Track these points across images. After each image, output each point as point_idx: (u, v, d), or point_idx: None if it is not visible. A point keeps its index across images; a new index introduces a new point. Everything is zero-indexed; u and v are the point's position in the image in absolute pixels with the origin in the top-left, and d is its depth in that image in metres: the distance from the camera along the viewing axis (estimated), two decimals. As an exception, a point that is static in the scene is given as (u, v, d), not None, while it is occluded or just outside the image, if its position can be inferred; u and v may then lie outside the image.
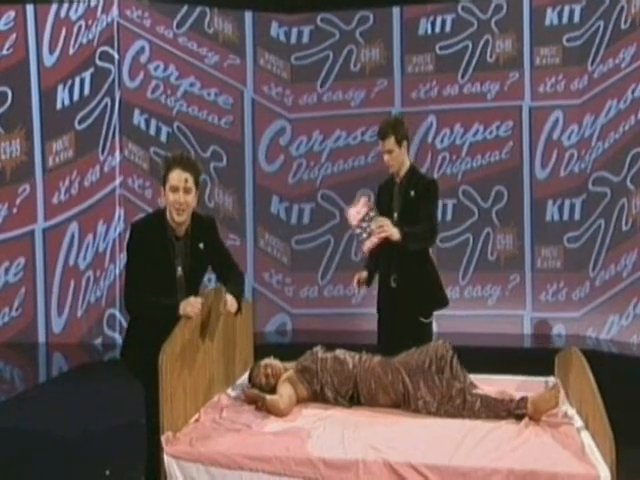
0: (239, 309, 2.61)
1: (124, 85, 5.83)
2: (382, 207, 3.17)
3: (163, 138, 5.96)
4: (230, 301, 2.56)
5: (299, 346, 2.98)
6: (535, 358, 3.69)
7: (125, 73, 5.84)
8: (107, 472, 3.10)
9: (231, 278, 2.65)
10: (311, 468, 2.03)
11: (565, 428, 2.22)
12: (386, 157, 3.12)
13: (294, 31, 6.26)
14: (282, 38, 6.26)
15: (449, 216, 6.12)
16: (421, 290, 3.12)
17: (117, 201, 5.85)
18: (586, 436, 2.14)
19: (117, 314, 5.85)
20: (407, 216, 3.10)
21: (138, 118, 5.89)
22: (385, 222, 2.96)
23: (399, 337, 3.00)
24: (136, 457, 2.96)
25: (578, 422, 2.26)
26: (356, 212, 2.99)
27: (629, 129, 5.65)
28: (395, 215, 3.13)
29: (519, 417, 2.31)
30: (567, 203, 5.94)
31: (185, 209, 2.49)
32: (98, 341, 5.85)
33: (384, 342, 3.18)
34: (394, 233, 2.93)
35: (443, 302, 3.22)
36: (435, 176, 6.27)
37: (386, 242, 2.97)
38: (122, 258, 5.86)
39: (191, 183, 2.50)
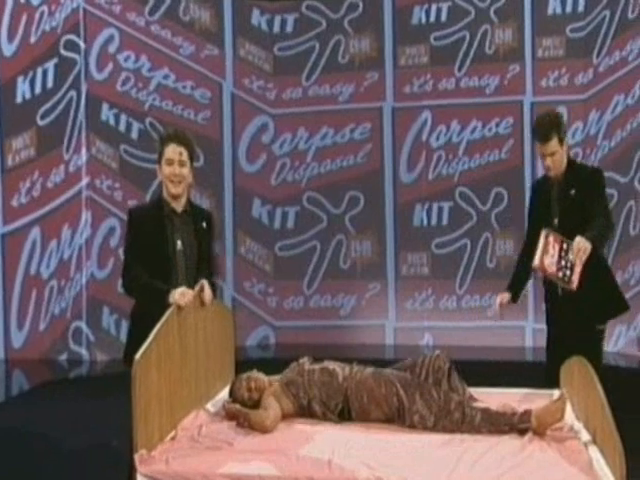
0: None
1: (91, 77, 5.84)
2: (539, 213, 3.06)
3: (134, 135, 5.97)
4: (207, 289, 2.75)
5: (283, 361, 2.99)
6: (538, 372, 3.74)
7: (92, 64, 5.85)
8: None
9: (205, 273, 2.85)
10: (299, 489, 2.05)
11: (571, 443, 2.26)
12: (548, 161, 2.98)
13: (277, 19, 6.31)
14: (264, 27, 6.31)
15: (445, 220, 6.18)
16: (596, 293, 2.98)
17: (83, 204, 5.83)
18: (594, 451, 2.18)
19: (84, 327, 5.82)
20: (569, 220, 2.97)
21: (107, 113, 5.89)
22: (578, 243, 2.77)
23: (570, 349, 2.85)
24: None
25: (585, 436, 2.30)
26: (551, 257, 2.79)
27: (637, 126, 5.75)
28: (555, 221, 3.01)
29: (522, 432, 2.36)
30: (572, 206, 6.02)
31: (181, 181, 2.77)
32: (63, 357, 5.81)
33: (555, 359, 2.99)
34: (588, 247, 2.78)
35: (622, 306, 3.08)
36: (430, 177, 6.39)
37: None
38: (89, 266, 5.85)
39: (185, 157, 2.78)
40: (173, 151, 2.75)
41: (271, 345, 6.34)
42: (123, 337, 5.88)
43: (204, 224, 2.87)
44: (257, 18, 6.29)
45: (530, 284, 6.22)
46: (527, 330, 6.11)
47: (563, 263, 2.84)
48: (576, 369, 2.53)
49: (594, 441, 2.24)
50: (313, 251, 6.34)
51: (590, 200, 2.95)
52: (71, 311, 5.83)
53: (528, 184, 6.11)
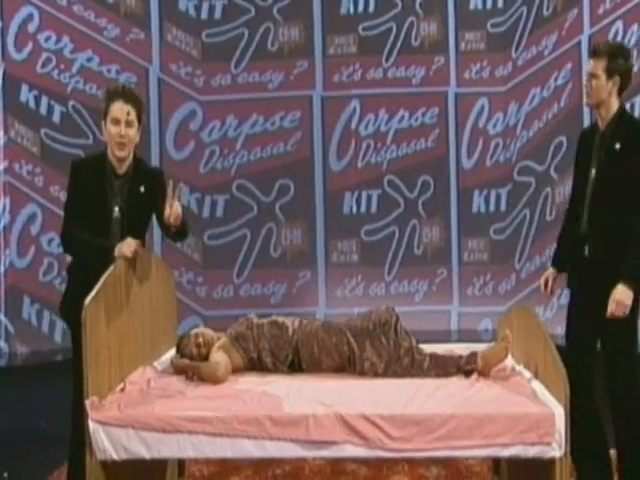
0: (184, 231, 2.76)
1: (9, 57, 5.64)
2: (579, 165, 2.76)
3: (56, 118, 5.79)
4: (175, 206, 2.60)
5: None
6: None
7: (10, 43, 5.65)
8: (5, 475, 3.02)
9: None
10: (257, 427, 2.07)
11: (515, 379, 2.42)
12: (585, 80, 2.73)
13: (205, 5, 6.28)
14: (192, 12, 6.27)
15: (374, 208, 6.32)
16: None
17: (1, 189, 5.60)
18: (537, 384, 2.33)
19: (2, 318, 5.56)
20: (607, 179, 2.66)
21: (26, 95, 5.69)
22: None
23: (595, 323, 2.59)
24: (35, 463, 3.14)
25: (527, 374, 2.45)
26: None
27: (552, 117, 6.12)
28: (592, 174, 2.70)
29: (468, 373, 2.47)
30: (493, 193, 6.31)
31: (127, 143, 2.66)
32: (-21, 350, 5.54)
33: (576, 332, 2.71)
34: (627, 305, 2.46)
35: None
36: (359, 165, 6.52)
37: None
38: (8, 254, 5.61)
39: (133, 116, 2.66)
40: (120, 110, 2.62)
41: (201, 334, 6.26)
42: (45, 328, 5.73)
43: (142, 188, 2.71)
44: (184, 3, 6.24)
45: (455, 271, 6.56)
46: (452, 314, 6.33)
47: None
48: (515, 313, 2.68)
49: (536, 377, 2.39)
50: (243, 240, 6.32)
51: (631, 171, 2.59)
52: (-12, 302, 5.57)
53: (453, 173, 6.36)
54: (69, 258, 2.85)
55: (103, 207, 2.64)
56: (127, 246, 2.53)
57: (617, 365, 2.59)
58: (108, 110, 2.65)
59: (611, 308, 2.52)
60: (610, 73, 2.66)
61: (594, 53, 2.72)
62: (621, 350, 2.59)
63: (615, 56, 2.68)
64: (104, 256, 2.50)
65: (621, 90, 2.70)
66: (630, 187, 2.60)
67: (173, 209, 2.58)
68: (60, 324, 5.64)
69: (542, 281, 2.95)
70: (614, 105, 2.70)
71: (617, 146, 2.64)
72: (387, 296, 6.31)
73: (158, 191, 2.75)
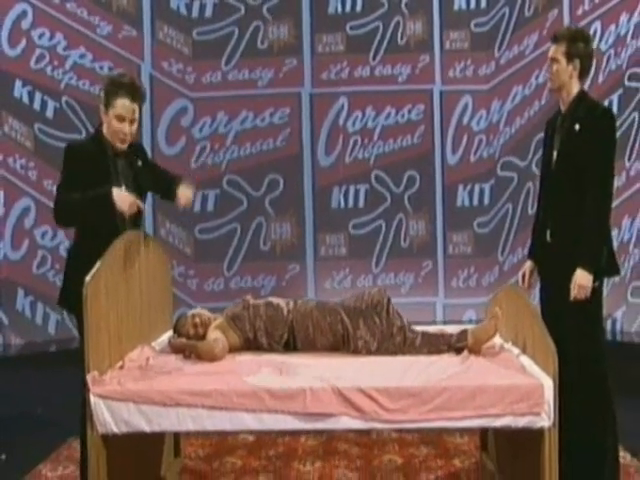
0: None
1: (3, 53, 5.63)
2: (545, 150, 2.76)
3: (49, 114, 5.77)
4: (186, 192, 2.75)
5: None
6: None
7: (4, 39, 5.63)
8: (3, 456, 3.00)
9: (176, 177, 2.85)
10: (255, 400, 2.08)
11: (504, 355, 2.45)
12: (547, 66, 2.71)
13: (196, 4, 6.28)
14: (183, 11, 6.27)
15: (361, 202, 6.35)
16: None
17: (-5, 182, 5.57)
18: (525, 359, 2.36)
19: (-3, 312, 5.52)
20: (568, 160, 2.63)
21: (20, 90, 5.66)
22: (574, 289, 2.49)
23: (559, 308, 2.56)
24: (32, 446, 3.14)
25: (516, 350, 2.48)
26: None
27: (533, 115, 6.19)
28: (554, 155, 2.68)
29: (459, 350, 2.50)
30: (477, 188, 6.37)
31: (128, 140, 2.63)
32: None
33: (546, 318, 2.49)
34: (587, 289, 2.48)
35: (612, 269, 2.66)
36: (347, 160, 6.54)
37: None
38: (2, 247, 5.57)
39: (137, 114, 2.62)
40: (126, 108, 2.54)
41: (192, 326, 6.24)
42: (39, 320, 5.69)
43: (139, 162, 2.71)
44: (176, 1, 6.24)
45: (440, 263, 6.60)
46: (438, 305, 6.38)
47: None
48: (503, 293, 2.71)
49: (524, 352, 2.42)
50: (233, 233, 6.33)
51: (587, 150, 2.57)
52: (-18, 296, 5.52)
53: (438, 168, 6.40)
54: (64, 249, 2.83)
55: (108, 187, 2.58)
56: (130, 207, 2.52)
57: (582, 350, 2.54)
58: (112, 103, 2.56)
59: (573, 293, 2.53)
60: (570, 57, 2.66)
61: (554, 38, 2.71)
62: (586, 336, 2.57)
63: (575, 40, 2.68)
64: (104, 205, 2.44)
65: (582, 74, 2.69)
66: (587, 168, 2.58)
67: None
68: (54, 316, 5.62)
69: (520, 275, 2.90)
70: (575, 88, 2.68)
71: (576, 127, 2.62)
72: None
73: (147, 160, 2.81)
